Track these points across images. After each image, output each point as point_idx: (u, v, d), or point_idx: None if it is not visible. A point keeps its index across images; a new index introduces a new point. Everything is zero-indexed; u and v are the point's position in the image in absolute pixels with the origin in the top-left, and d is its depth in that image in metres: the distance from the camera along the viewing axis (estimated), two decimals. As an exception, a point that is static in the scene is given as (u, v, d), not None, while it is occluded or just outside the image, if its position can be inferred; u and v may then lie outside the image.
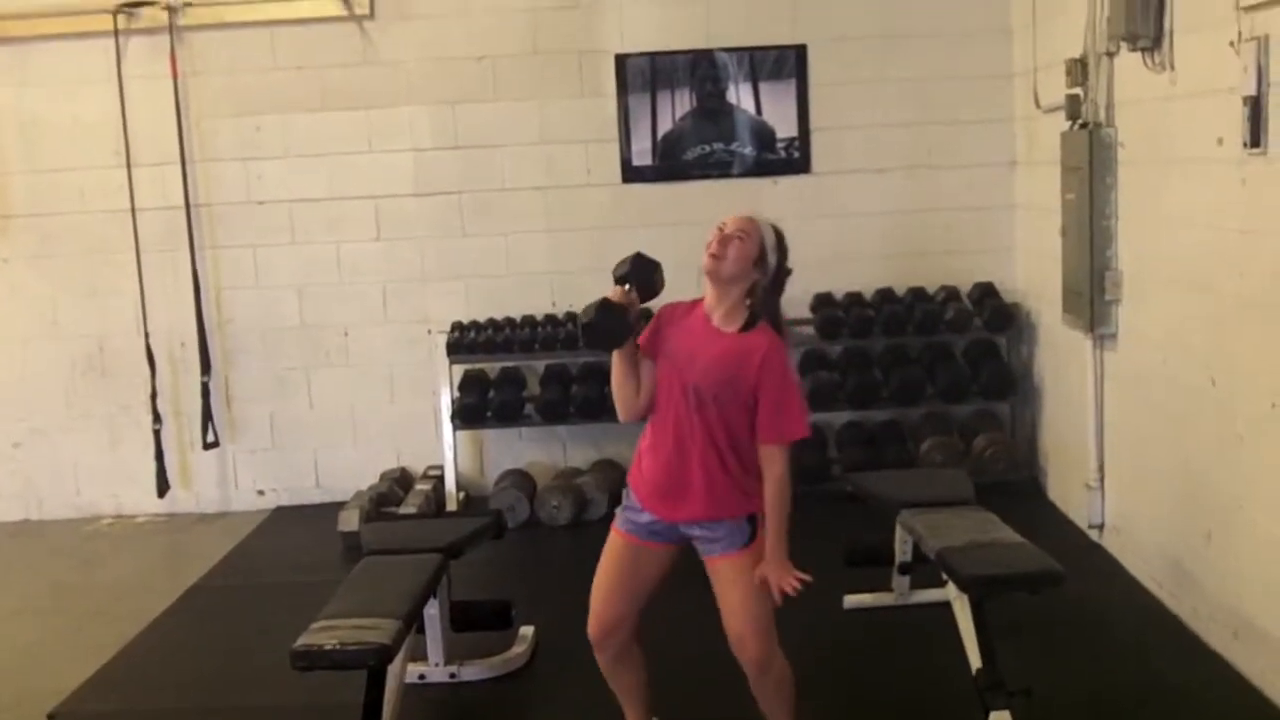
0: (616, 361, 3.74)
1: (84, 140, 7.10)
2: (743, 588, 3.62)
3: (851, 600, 5.22)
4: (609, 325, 3.63)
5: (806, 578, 3.56)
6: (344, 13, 6.97)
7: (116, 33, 6.94)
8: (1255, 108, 4.08)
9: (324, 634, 3.75)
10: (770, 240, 3.67)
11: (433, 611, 4.54)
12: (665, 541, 3.74)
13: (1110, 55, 5.39)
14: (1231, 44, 4.21)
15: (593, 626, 3.81)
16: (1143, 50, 4.96)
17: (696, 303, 3.74)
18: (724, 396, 3.59)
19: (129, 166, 7.03)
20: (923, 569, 4.86)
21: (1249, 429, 4.30)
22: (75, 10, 6.92)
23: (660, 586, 3.80)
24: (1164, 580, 5.12)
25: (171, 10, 6.93)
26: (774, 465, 3.61)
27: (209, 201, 7.16)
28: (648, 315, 3.78)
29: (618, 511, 3.84)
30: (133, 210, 7.04)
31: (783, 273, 3.73)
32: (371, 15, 7.02)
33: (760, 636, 3.64)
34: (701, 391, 3.59)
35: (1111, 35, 5.19)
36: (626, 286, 3.66)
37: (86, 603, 6.01)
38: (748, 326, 3.63)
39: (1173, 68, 4.80)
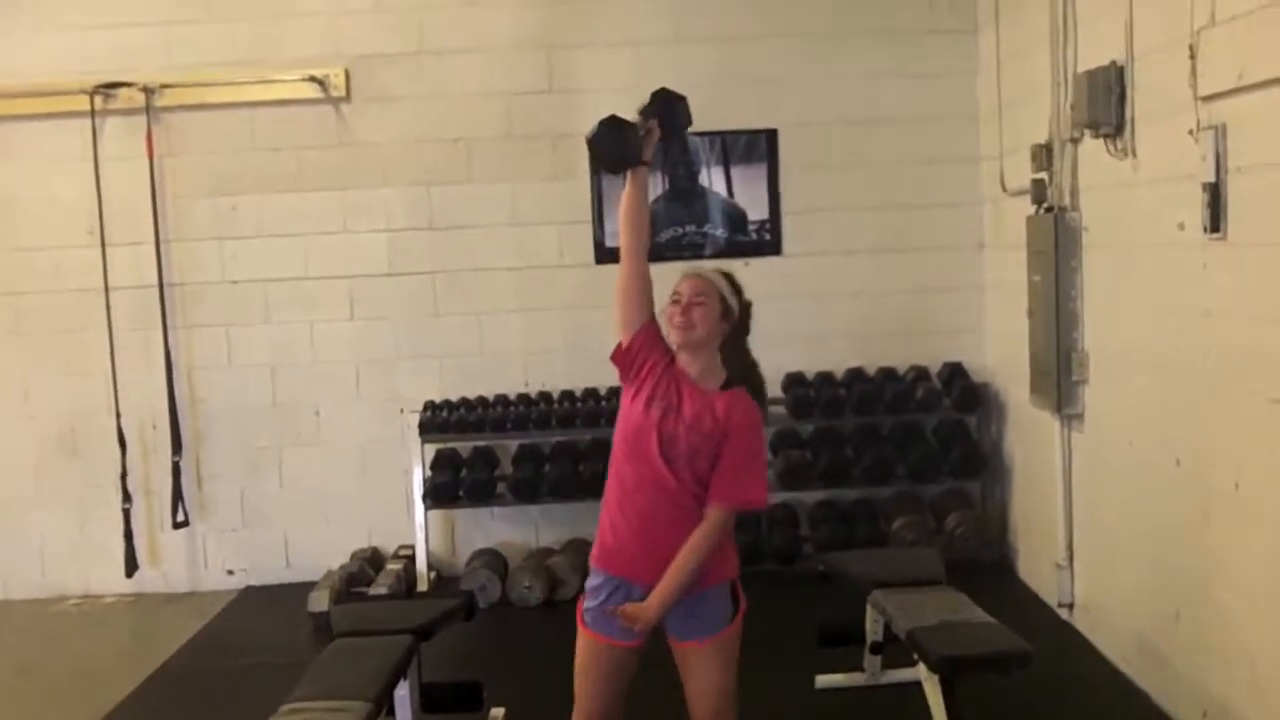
0: (629, 188, 3.67)
1: (59, 219, 7.13)
2: (718, 666, 3.57)
3: (823, 680, 5.20)
4: (614, 141, 3.56)
5: (642, 634, 3.49)
6: (320, 95, 7.05)
7: (94, 113, 7.00)
8: (1214, 194, 4.18)
9: (293, 717, 3.71)
10: (727, 289, 3.67)
11: (403, 693, 4.49)
12: (638, 638, 3.59)
13: (1074, 141, 5.51)
14: (1190, 132, 4.32)
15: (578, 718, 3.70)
16: (1105, 137, 5.07)
17: (674, 355, 3.67)
18: (703, 451, 3.52)
19: (103, 245, 7.05)
20: (894, 648, 4.86)
21: (1214, 509, 4.35)
22: (53, 91, 6.97)
23: (638, 673, 3.70)
24: (1133, 659, 5.13)
25: (149, 92, 6.99)
26: (709, 521, 3.52)
27: (183, 280, 7.18)
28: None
29: (584, 606, 3.70)
30: (106, 289, 7.05)
31: (746, 313, 3.73)
32: (348, 98, 7.10)
33: (726, 711, 3.59)
34: (680, 444, 3.52)
35: (1075, 122, 5.32)
36: (649, 121, 3.61)
37: (51, 684, 5.93)
38: (727, 385, 3.63)
39: (1135, 154, 4.91)
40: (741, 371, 3.69)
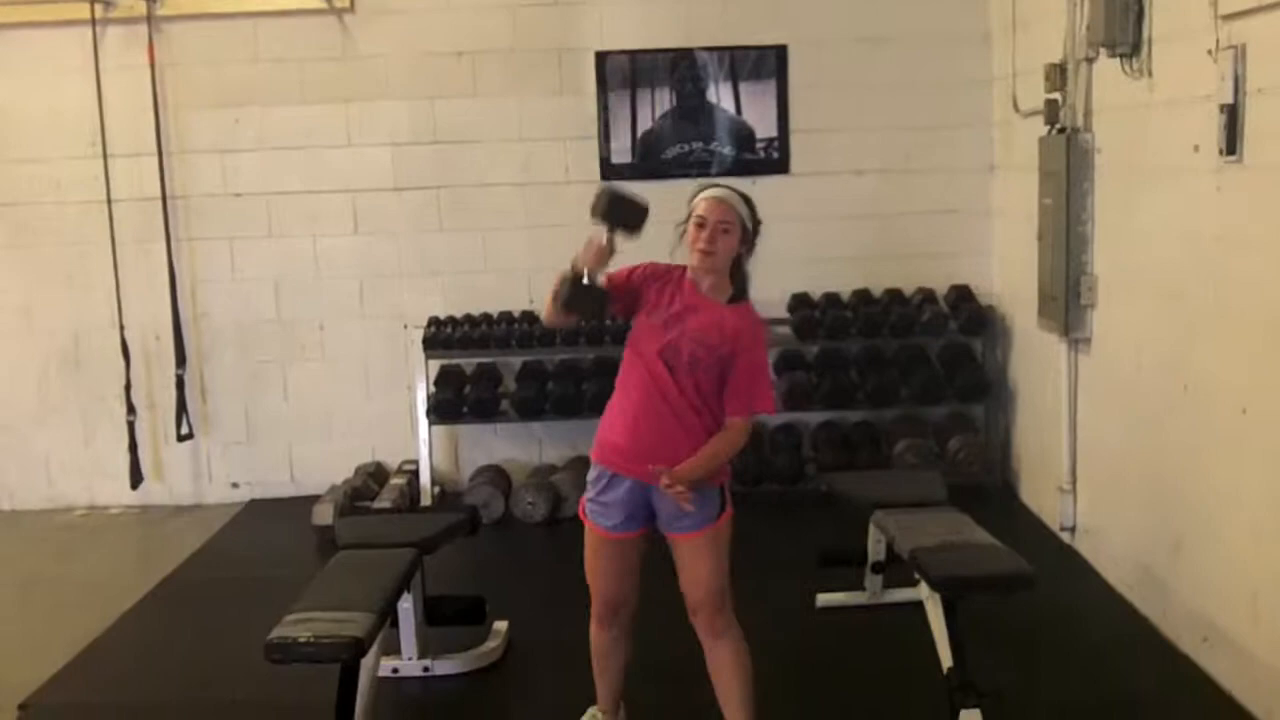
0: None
1: (59, 130, 7.05)
2: (705, 559, 3.74)
3: (824, 599, 5.24)
4: (584, 303, 3.67)
5: (688, 500, 3.59)
6: (324, 6, 6.95)
7: (94, 21, 6.89)
8: (1232, 116, 4.12)
9: (298, 627, 3.74)
10: (746, 214, 3.76)
11: (406, 606, 4.54)
12: (638, 527, 3.80)
13: (1089, 61, 5.43)
14: (1209, 52, 4.25)
15: (600, 607, 3.92)
16: (1121, 57, 4.99)
17: (681, 269, 3.78)
18: (704, 362, 3.65)
19: (105, 157, 6.98)
20: (896, 569, 4.88)
21: (1221, 436, 4.34)
22: (52, -2, 6.88)
23: (643, 562, 3.89)
24: (1134, 584, 5.16)
25: (149, 0, 6.88)
26: (731, 431, 3.71)
27: (185, 193, 7.13)
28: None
29: (585, 500, 3.89)
30: (108, 201, 7.00)
31: (756, 233, 3.81)
32: (352, 9, 7.00)
33: (717, 603, 3.76)
34: (682, 353, 3.65)
35: (1091, 42, 5.23)
36: (608, 232, 3.65)
37: (58, 595, 5.98)
38: (735, 299, 3.74)
39: (1151, 75, 4.84)
40: (742, 285, 3.80)
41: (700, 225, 3.68)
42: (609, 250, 3.66)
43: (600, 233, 3.67)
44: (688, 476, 3.59)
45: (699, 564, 3.75)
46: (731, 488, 3.85)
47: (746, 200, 3.79)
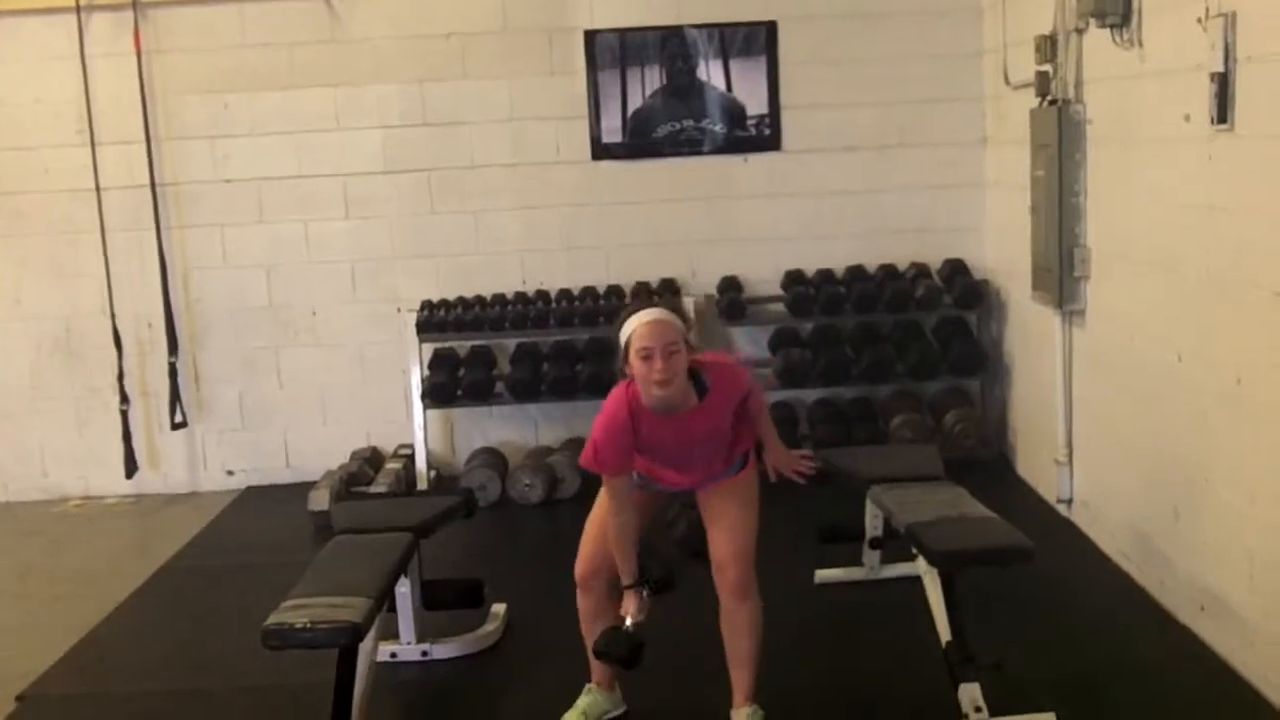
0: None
1: (47, 118, 7.02)
2: (735, 509, 3.85)
3: (822, 575, 5.24)
4: (628, 659, 3.83)
5: (809, 455, 4.04)
6: (311, -11, 6.92)
7: (79, 8, 6.85)
8: (1222, 84, 4.10)
9: (295, 613, 3.73)
10: (681, 326, 3.72)
11: (404, 590, 4.53)
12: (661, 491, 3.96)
13: (1079, 32, 5.40)
14: (1199, 21, 4.22)
15: (583, 567, 3.98)
16: (1111, 27, 4.96)
17: (634, 399, 3.73)
18: (717, 438, 3.86)
19: (93, 145, 6.95)
20: (893, 544, 4.88)
21: (1215, 405, 4.33)
22: (37, -14, 6.83)
23: (643, 530, 3.93)
24: (1132, 554, 5.16)
25: (135, -14, 6.86)
26: (755, 398, 3.97)
27: (175, 180, 7.10)
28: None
29: None
30: (97, 189, 6.98)
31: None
32: (339, -8, 6.97)
33: (742, 562, 3.82)
34: (697, 458, 3.87)
35: (1081, 12, 5.20)
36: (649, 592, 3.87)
37: (54, 585, 5.98)
38: (701, 393, 3.76)
39: (1141, 45, 4.81)
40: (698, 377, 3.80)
41: (647, 357, 3.59)
42: (649, 605, 3.84)
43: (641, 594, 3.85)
44: (780, 449, 4.09)
45: (726, 513, 3.84)
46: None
47: (676, 310, 3.80)
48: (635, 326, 3.63)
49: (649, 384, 3.61)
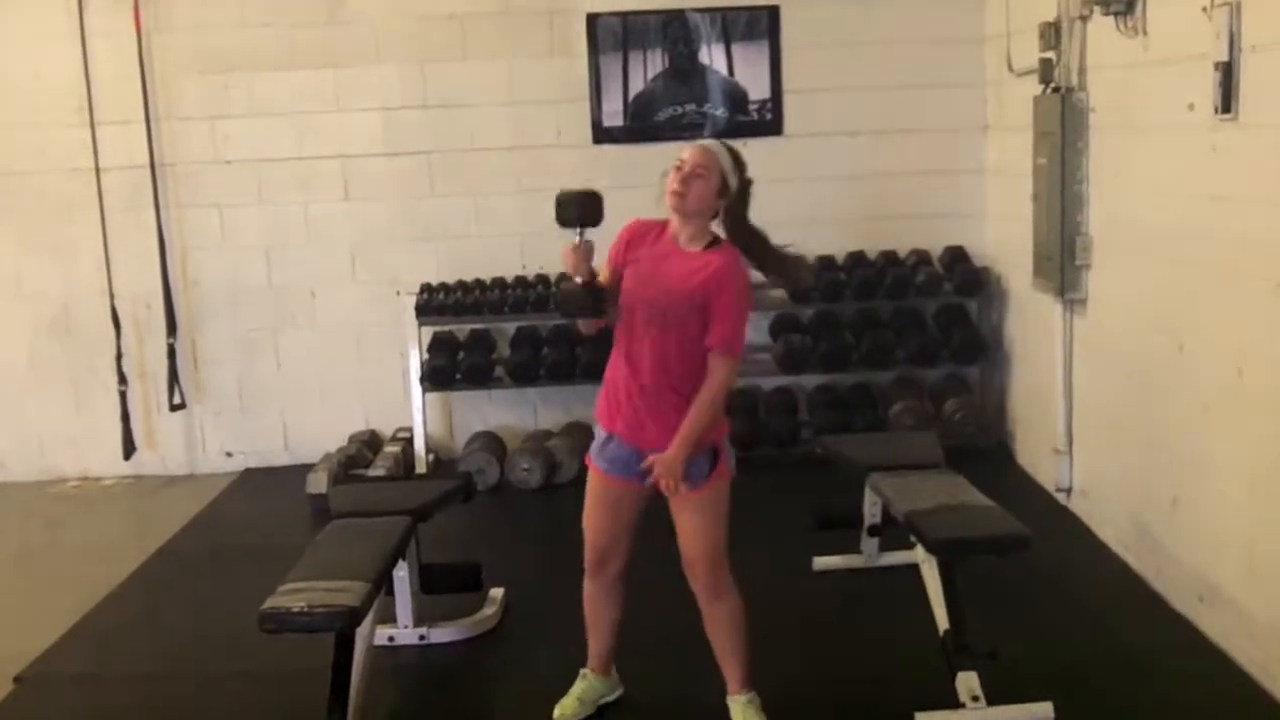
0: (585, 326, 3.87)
1: (46, 97, 6.98)
2: (700, 517, 3.76)
3: (821, 562, 5.24)
4: (584, 304, 3.74)
5: (683, 489, 3.66)
6: (312, -31, 6.88)
7: (78, -14, 6.83)
8: (1227, 74, 4.08)
9: (292, 597, 3.73)
10: (728, 165, 3.74)
11: (402, 574, 4.53)
12: (639, 479, 3.77)
13: (1083, 19, 5.38)
14: (1204, 9, 4.21)
15: (590, 555, 3.95)
16: (1116, 15, 4.94)
17: (664, 224, 3.80)
18: (682, 313, 3.67)
19: (92, 125, 6.92)
20: (892, 531, 4.88)
21: (1216, 396, 4.33)
22: (36, -36, 6.80)
23: (639, 519, 3.92)
24: (1131, 544, 5.16)
25: (135, -35, 6.82)
26: (715, 373, 3.70)
27: (174, 161, 7.07)
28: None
29: (593, 446, 3.92)
30: (97, 169, 6.95)
31: (746, 190, 3.80)
32: (340, -28, 6.94)
33: (710, 561, 3.78)
34: (660, 307, 3.69)
35: (1085, 0, 5.18)
36: (579, 233, 3.72)
37: (52, 566, 5.98)
38: (710, 246, 3.73)
39: (1145, 33, 4.79)
40: (747, 242, 3.77)
41: (677, 167, 3.71)
42: (583, 247, 3.70)
43: (568, 237, 3.73)
44: (678, 456, 3.63)
45: (692, 520, 3.77)
46: (728, 446, 3.84)
47: (733, 152, 3.78)
48: (686, 146, 3.77)
49: (666, 190, 3.71)
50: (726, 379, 3.72)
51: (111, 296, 7.05)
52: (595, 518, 3.92)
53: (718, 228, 3.79)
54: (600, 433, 3.89)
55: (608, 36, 6.99)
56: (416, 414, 7.01)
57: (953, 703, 3.93)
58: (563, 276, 7.13)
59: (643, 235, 3.82)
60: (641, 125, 7.06)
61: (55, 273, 7.15)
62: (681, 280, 3.67)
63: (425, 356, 6.99)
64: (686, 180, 3.67)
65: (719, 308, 3.66)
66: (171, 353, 7.08)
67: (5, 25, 6.94)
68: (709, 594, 3.81)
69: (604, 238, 3.80)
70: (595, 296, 3.73)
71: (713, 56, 7.05)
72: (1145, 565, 5.01)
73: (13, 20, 6.93)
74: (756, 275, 3.85)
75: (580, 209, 3.74)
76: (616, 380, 3.80)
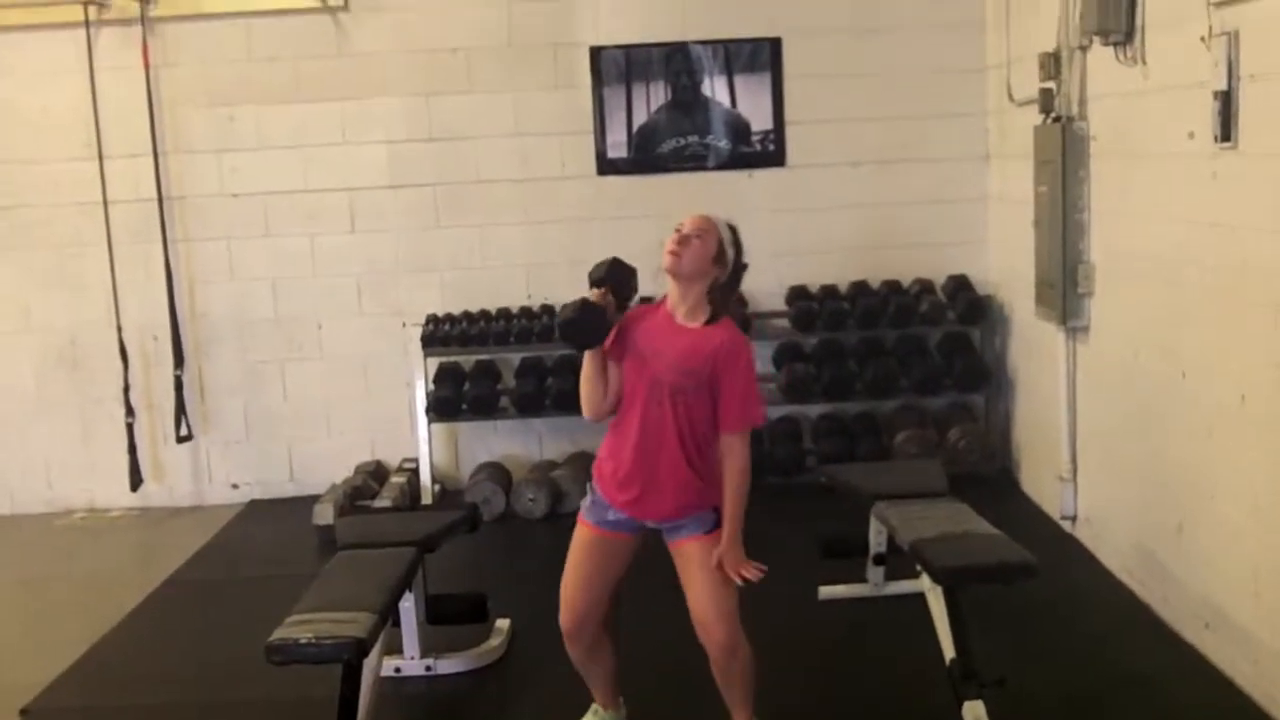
0: (587, 361, 3.82)
1: (55, 132, 7.05)
2: (709, 572, 3.70)
3: (826, 591, 5.24)
4: (588, 323, 3.70)
5: (763, 568, 3.66)
6: (318, 4, 6.94)
7: (87, 23, 6.88)
8: (1226, 102, 4.11)
9: (299, 628, 3.74)
10: (727, 237, 3.75)
11: (408, 605, 4.54)
12: (631, 532, 3.82)
13: (1083, 49, 5.42)
14: (1202, 39, 4.24)
15: (566, 618, 3.88)
16: (1115, 45, 4.98)
17: (660, 304, 3.82)
18: (688, 389, 3.66)
19: (100, 158, 6.98)
20: (897, 560, 4.88)
21: (1219, 422, 4.34)
22: (47, 1, 6.85)
23: (626, 573, 3.90)
24: (1136, 571, 5.16)
25: (143, 1, 6.87)
26: (735, 456, 3.70)
27: (182, 194, 7.12)
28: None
29: (583, 504, 3.92)
30: (104, 202, 7.00)
31: (739, 268, 3.80)
32: (346, 7, 6.99)
33: (725, 621, 3.70)
34: (666, 385, 3.67)
35: (1084, 30, 5.22)
36: (603, 289, 3.74)
37: (59, 597, 5.99)
38: (711, 321, 3.72)
39: (1145, 62, 4.83)
40: (727, 307, 3.79)
41: (675, 229, 3.73)
42: (607, 297, 3.74)
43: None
44: (737, 545, 3.68)
45: (699, 575, 3.70)
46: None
47: (733, 229, 3.79)
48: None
49: (665, 252, 3.72)
50: (747, 454, 3.72)
51: (119, 328, 7.08)
52: (580, 573, 3.85)
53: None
54: (599, 499, 3.85)
55: (611, 69, 7.04)
56: (422, 445, 7.03)
57: (959, 731, 3.93)
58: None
59: (636, 319, 3.80)
60: (645, 157, 7.11)
61: (63, 305, 7.19)
62: (685, 357, 3.67)
63: (431, 387, 7.02)
64: (683, 241, 3.68)
65: (729, 385, 3.66)
66: (179, 384, 7.10)
67: (16, 61, 7.01)
68: (726, 651, 3.72)
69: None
70: (598, 313, 3.70)
71: (715, 88, 7.10)
72: (1150, 592, 5.01)
73: (23, 56, 7.01)
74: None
75: (619, 275, 3.80)
76: (620, 455, 3.77)
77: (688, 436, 3.69)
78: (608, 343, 3.77)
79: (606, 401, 3.82)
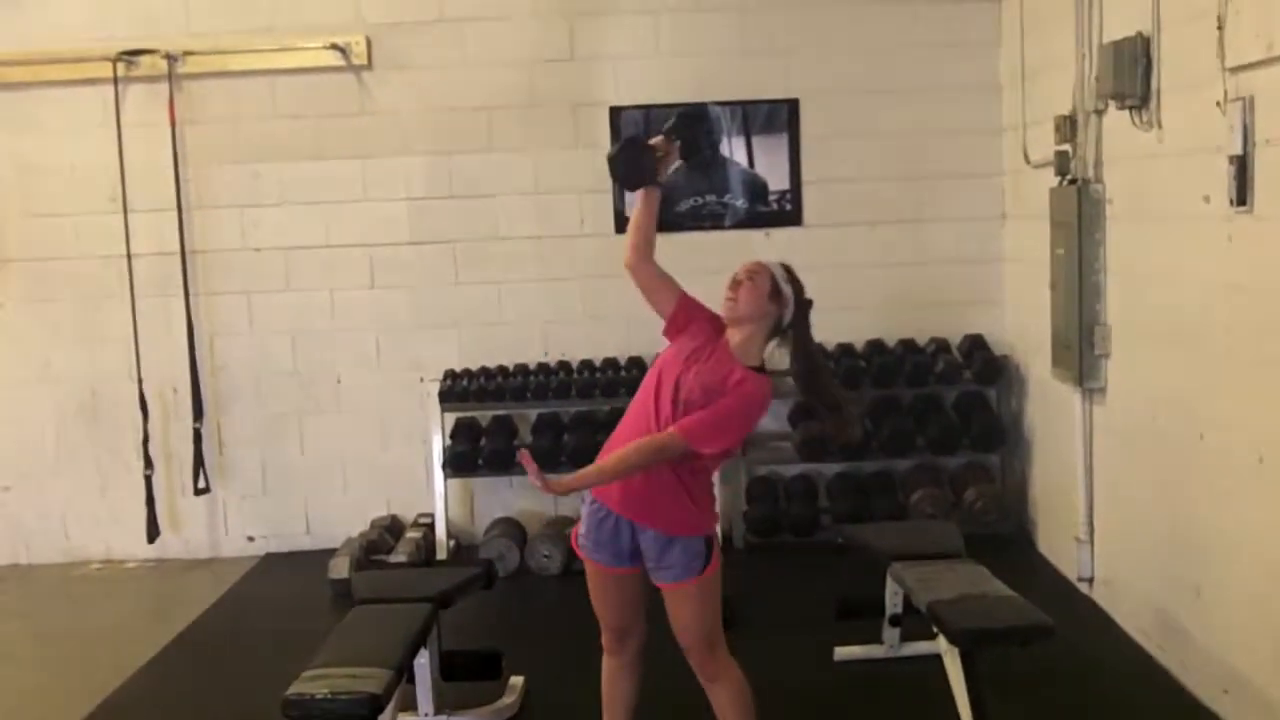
0: (640, 206, 3.91)
1: (81, 185, 7.14)
2: (690, 609, 3.77)
3: (842, 652, 5.21)
4: (629, 158, 3.79)
5: (557, 492, 3.66)
6: (342, 63, 7.03)
7: (116, 80, 6.99)
8: (1241, 167, 4.14)
9: (315, 683, 3.74)
10: (780, 274, 3.82)
11: (423, 661, 4.53)
12: (631, 565, 3.83)
13: (1099, 113, 5.46)
14: (1218, 104, 4.28)
15: (609, 635, 3.96)
16: (1130, 108, 5.03)
17: (725, 331, 3.85)
18: (695, 403, 3.66)
19: (125, 212, 7.06)
20: (913, 621, 4.86)
21: (1237, 484, 4.33)
22: (76, 57, 6.97)
23: (648, 596, 3.92)
24: (1154, 634, 5.13)
25: (171, 59, 6.98)
26: (659, 437, 3.64)
27: (204, 248, 7.20)
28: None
29: (578, 531, 3.94)
30: (128, 256, 7.07)
31: (803, 304, 3.86)
32: (369, 66, 7.08)
33: (705, 645, 3.79)
34: (683, 389, 3.69)
35: (1100, 93, 5.27)
36: (668, 137, 3.82)
37: (73, 649, 5.98)
38: (757, 369, 3.77)
39: (1160, 126, 4.87)
40: (804, 366, 3.85)
41: (731, 278, 3.82)
42: (669, 145, 3.84)
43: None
44: (575, 484, 3.70)
45: (682, 612, 3.78)
46: (718, 539, 3.88)
47: (786, 267, 3.87)
48: None
49: (724, 302, 3.80)
50: (657, 449, 3.62)
51: (139, 380, 7.13)
52: (603, 603, 3.94)
53: (780, 352, 3.85)
54: (590, 506, 3.85)
55: (630, 128, 7.09)
56: (438, 500, 7.04)
57: (976, 795, 3.90)
58: (585, 363, 7.23)
59: (710, 321, 3.84)
60: (663, 215, 7.06)
61: (84, 356, 7.25)
62: (709, 373, 3.69)
63: (447, 442, 7.04)
64: (735, 286, 3.77)
65: (714, 407, 3.64)
66: (197, 437, 7.14)
67: (45, 116, 7.12)
68: (706, 677, 3.83)
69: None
70: (640, 150, 3.77)
71: (733, 148, 7.17)
72: (1169, 656, 4.98)
73: (52, 111, 7.11)
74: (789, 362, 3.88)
75: (637, 167, 3.84)
76: (617, 445, 3.77)
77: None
78: (681, 308, 3.82)
79: (649, 265, 3.88)
